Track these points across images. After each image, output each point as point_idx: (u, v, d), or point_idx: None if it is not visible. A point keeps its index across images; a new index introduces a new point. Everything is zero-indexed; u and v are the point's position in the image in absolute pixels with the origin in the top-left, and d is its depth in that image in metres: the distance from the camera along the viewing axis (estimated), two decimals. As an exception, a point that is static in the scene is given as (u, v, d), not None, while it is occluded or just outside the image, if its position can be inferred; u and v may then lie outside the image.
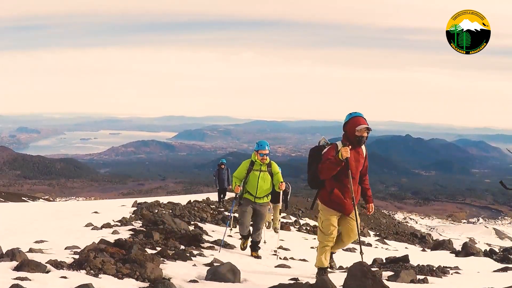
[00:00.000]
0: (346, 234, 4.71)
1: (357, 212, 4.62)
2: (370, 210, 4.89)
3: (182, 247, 6.34)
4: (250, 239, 6.76)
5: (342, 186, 4.48)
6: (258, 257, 6.61)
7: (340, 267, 6.23)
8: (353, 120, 4.43)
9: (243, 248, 6.90)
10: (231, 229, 7.58)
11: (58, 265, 3.84)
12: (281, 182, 6.48)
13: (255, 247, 6.70)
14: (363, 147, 4.58)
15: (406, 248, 12.89)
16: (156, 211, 11.38)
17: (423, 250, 12.39)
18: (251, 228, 6.74)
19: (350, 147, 4.32)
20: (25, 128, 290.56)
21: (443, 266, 6.33)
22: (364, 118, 4.44)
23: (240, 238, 7.04)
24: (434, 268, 5.98)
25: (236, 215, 10.17)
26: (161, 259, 4.81)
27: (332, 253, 5.30)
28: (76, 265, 3.91)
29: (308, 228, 14.36)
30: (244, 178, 6.45)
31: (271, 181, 6.47)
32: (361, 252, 4.64)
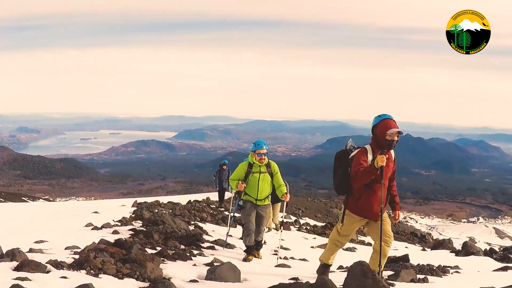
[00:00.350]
0: (378, 239, 4.38)
1: (386, 216, 4.38)
2: (397, 218, 4.65)
3: (182, 247, 6.34)
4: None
5: (372, 192, 4.28)
6: (258, 257, 6.49)
7: (340, 267, 6.24)
8: (383, 123, 4.23)
9: (247, 260, 6.19)
10: (227, 232, 7.34)
11: (58, 265, 3.84)
12: (285, 193, 6.16)
13: (257, 247, 6.49)
14: (392, 150, 4.38)
15: (406, 247, 12.88)
16: (156, 211, 11.38)
17: (423, 250, 12.39)
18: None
19: (387, 156, 4.15)
20: (25, 128, 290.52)
21: (443, 266, 6.33)
22: (394, 121, 4.25)
23: (245, 246, 6.44)
24: (434, 268, 5.98)
25: (237, 215, 10.13)
26: (161, 259, 4.81)
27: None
28: (76, 265, 3.91)
29: (308, 228, 14.35)
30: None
31: (272, 181, 6.22)
32: (380, 241, 4.34)
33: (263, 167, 6.13)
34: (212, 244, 7.22)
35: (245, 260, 6.14)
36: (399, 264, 6.43)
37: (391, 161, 4.38)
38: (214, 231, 9.44)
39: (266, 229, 9.95)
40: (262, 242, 6.70)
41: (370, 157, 4.28)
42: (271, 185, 6.25)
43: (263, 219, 6.30)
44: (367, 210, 4.33)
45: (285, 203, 7.00)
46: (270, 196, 6.33)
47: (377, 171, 4.10)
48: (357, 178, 4.17)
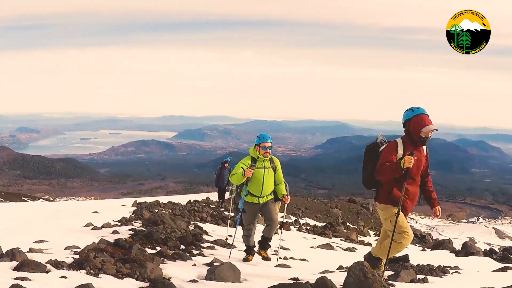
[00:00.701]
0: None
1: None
2: (438, 214, 4.48)
3: (182, 246, 6.34)
4: (260, 237, 6.19)
5: (402, 187, 4.18)
6: (267, 258, 6.12)
7: (340, 267, 6.23)
8: (418, 118, 4.09)
9: (247, 260, 6.13)
10: (234, 234, 7.14)
11: (58, 265, 3.84)
12: (286, 194, 5.99)
13: (264, 245, 6.12)
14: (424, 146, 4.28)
15: (406, 247, 12.90)
16: (156, 211, 11.39)
17: (423, 250, 12.39)
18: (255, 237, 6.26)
19: (415, 157, 4.04)
20: (25, 128, 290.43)
21: (443, 266, 6.33)
22: (427, 115, 4.12)
23: (245, 246, 6.36)
24: (434, 268, 5.98)
25: (231, 214, 10.11)
26: (161, 259, 4.81)
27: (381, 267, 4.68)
28: (76, 265, 3.91)
29: (308, 228, 14.36)
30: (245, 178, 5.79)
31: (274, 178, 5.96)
32: (392, 240, 4.26)
33: (267, 162, 5.84)
34: (212, 244, 7.23)
35: (245, 260, 6.09)
36: (399, 264, 6.43)
37: (423, 156, 4.27)
38: (214, 231, 9.44)
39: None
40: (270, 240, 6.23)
41: (400, 152, 4.18)
42: (273, 181, 5.99)
43: (271, 209, 5.92)
44: (397, 203, 4.20)
45: (285, 204, 6.75)
46: (273, 192, 6.08)
47: (402, 171, 4.01)
48: (381, 172, 4.09)
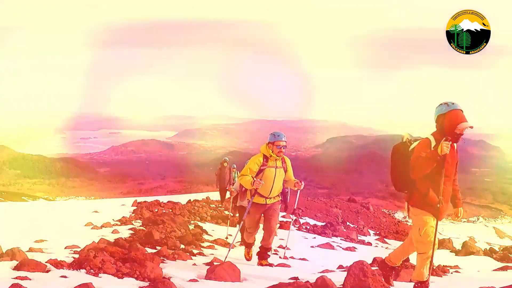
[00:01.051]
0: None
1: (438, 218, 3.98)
2: (459, 215, 4.20)
3: (182, 246, 6.34)
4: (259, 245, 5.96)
5: (438, 187, 3.89)
6: (269, 265, 5.80)
7: (340, 267, 6.24)
8: (453, 114, 3.84)
9: (248, 258, 6.08)
10: (235, 236, 7.01)
11: (58, 264, 3.84)
12: (299, 181, 5.62)
13: (264, 255, 5.82)
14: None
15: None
16: (156, 210, 11.39)
17: (423, 249, 12.38)
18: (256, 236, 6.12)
19: (450, 142, 3.78)
20: (25, 127, 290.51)
21: (443, 265, 6.34)
22: (462, 111, 3.88)
23: (244, 245, 6.26)
24: (434, 267, 5.98)
25: (231, 213, 10.09)
26: (161, 258, 4.82)
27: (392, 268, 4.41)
28: (76, 265, 3.91)
29: (308, 227, 14.36)
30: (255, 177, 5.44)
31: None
32: (435, 237, 3.89)
33: (279, 162, 5.57)
34: (212, 244, 7.23)
35: (247, 258, 6.04)
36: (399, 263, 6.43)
37: (455, 152, 4.06)
38: (214, 230, 9.45)
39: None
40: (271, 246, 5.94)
41: None
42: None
43: (274, 215, 5.66)
44: (435, 206, 3.91)
45: (298, 191, 6.08)
46: (280, 194, 5.82)
47: (439, 157, 3.76)
48: (417, 165, 3.82)
